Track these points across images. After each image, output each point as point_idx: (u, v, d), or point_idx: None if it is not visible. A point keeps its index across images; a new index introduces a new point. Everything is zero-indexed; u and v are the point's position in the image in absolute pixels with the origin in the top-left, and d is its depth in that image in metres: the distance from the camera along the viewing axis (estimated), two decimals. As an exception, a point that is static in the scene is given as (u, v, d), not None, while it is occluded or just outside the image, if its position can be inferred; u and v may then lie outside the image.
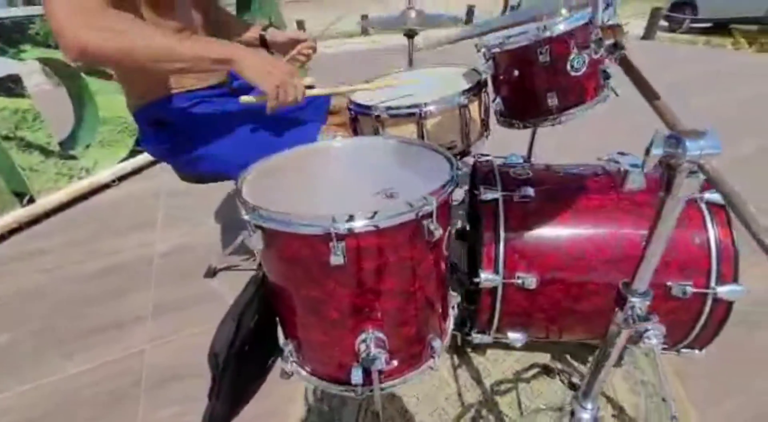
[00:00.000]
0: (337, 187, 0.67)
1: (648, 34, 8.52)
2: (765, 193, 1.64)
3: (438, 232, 0.57)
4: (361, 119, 1.01)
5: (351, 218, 0.52)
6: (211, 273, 1.46)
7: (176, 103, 0.93)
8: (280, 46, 1.11)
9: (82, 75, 2.03)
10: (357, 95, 1.02)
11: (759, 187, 1.54)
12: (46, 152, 1.91)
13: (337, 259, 0.53)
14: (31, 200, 1.86)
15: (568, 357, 1.08)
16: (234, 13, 2.80)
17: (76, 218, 1.92)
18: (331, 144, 0.82)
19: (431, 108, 0.92)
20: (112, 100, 2.16)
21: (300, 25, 10.28)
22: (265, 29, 1.14)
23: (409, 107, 0.92)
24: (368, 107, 0.96)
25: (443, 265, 0.68)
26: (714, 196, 0.74)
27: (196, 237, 1.70)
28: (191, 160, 0.98)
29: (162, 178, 2.25)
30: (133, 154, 2.32)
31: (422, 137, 0.95)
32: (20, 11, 1.83)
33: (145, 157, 2.35)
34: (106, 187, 2.15)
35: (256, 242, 0.58)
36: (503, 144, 1.14)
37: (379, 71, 1.19)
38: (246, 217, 0.57)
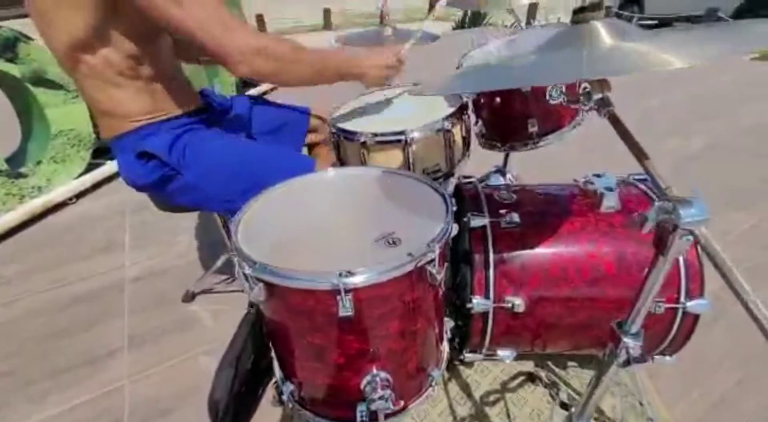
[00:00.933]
0: (337, 230, 0.67)
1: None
2: (712, 185, 1.92)
3: (440, 275, 0.59)
4: (346, 144, 1.01)
5: (357, 273, 0.52)
6: (190, 297, 1.41)
7: (161, 132, 0.89)
8: None
9: (29, 87, 1.87)
10: (341, 121, 1.02)
11: (707, 180, 1.99)
12: (-9, 172, 1.76)
13: (345, 311, 0.53)
14: (-22, 225, 1.72)
15: (549, 363, 1.14)
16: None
17: (34, 242, 1.78)
18: (323, 177, 0.81)
19: (416, 134, 0.93)
20: (63, 112, 2.01)
21: (259, 19, 9.93)
22: None
23: (394, 134, 0.93)
24: (353, 132, 0.96)
25: (441, 298, 0.70)
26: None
27: (168, 258, 1.63)
28: (174, 192, 0.94)
29: (125, 192, 2.12)
30: (91, 167, 2.18)
31: (408, 162, 0.96)
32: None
33: (104, 171, 2.21)
34: (63, 205, 2.01)
35: (257, 295, 0.57)
36: (482, 157, 1.18)
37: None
38: (246, 272, 0.56)
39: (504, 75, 0.56)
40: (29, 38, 1.86)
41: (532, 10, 10.02)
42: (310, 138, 1.24)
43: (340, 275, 0.52)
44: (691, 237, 0.40)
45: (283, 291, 0.56)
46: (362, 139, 0.94)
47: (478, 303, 0.82)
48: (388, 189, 0.76)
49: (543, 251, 0.84)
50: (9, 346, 1.28)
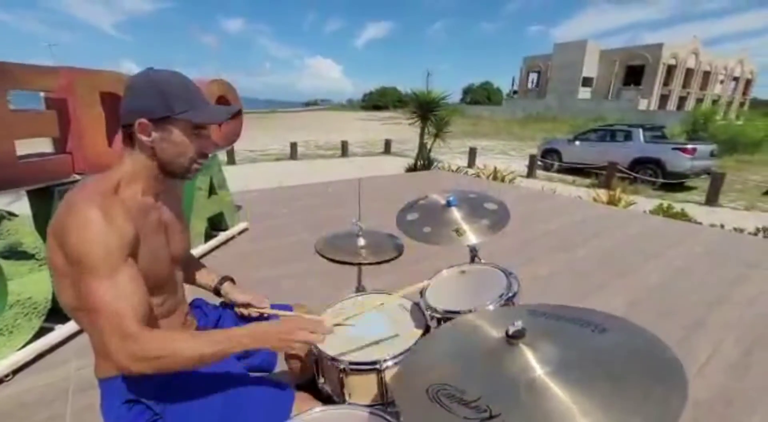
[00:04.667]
0: None
1: (530, 174, 10.52)
2: (594, 278, 2.18)
3: None
4: (326, 363, 1.12)
5: None
6: None
7: (152, 377, 0.95)
8: (235, 303, 1.27)
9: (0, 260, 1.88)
10: (322, 344, 1.14)
11: (590, 274, 2.74)
12: (-74, 355, 1.62)
13: None
14: None
15: None
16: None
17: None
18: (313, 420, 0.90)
19: (389, 363, 1.07)
20: (25, 281, 1.99)
21: (229, 155, 10.74)
22: (221, 282, 1.27)
23: (370, 363, 1.06)
24: (333, 358, 1.08)
25: None
26: None
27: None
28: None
29: (71, 364, 2.00)
30: (39, 331, 2.06)
31: (382, 387, 1.07)
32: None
33: (50, 339, 2.09)
34: (-3, 383, 1.83)
35: None
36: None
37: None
38: None
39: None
40: (14, 215, 1.95)
41: (473, 154, 11.73)
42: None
43: None
44: None
45: None
46: (342, 366, 1.07)
47: None
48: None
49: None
50: None
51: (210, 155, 3.78)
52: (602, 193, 6.78)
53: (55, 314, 2.11)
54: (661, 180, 9.32)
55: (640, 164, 9.89)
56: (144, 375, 0.94)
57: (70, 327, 2.18)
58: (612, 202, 6.40)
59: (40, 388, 1.85)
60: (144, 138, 0.90)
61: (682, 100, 35.81)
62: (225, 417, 0.96)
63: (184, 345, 0.83)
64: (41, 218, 2.21)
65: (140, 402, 0.92)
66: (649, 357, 0.61)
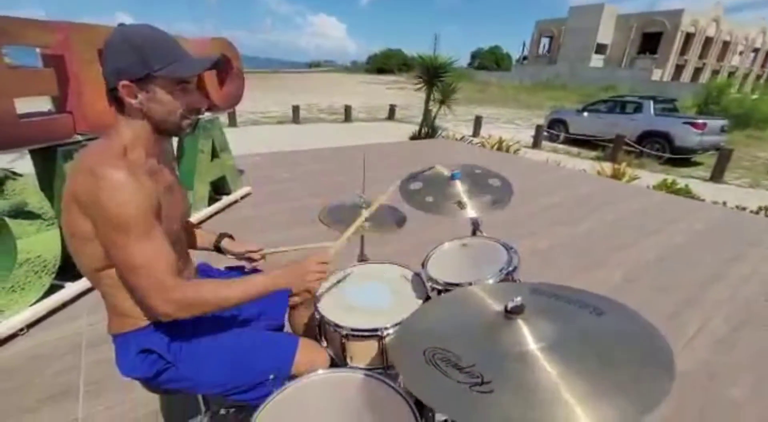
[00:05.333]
0: None
1: (535, 144, 10.37)
2: (593, 252, 2.42)
3: None
4: (328, 329, 1.16)
5: None
6: (150, 462, 1.37)
7: (161, 331, 1.00)
8: (235, 254, 1.34)
9: (6, 219, 1.90)
10: (325, 310, 1.18)
11: (589, 249, 2.95)
12: (-57, 309, 1.68)
13: None
14: None
15: None
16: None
17: (-28, 388, 1.66)
18: (315, 382, 0.95)
19: (390, 331, 1.11)
20: (34, 240, 2.02)
21: (231, 117, 10.53)
22: (220, 239, 1.32)
23: (371, 330, 1.10)
24: (336, 325, 1.12)
25: None
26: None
27: (126, 409, 1.58)
28: (167, 381, 1.02)
29: (82, 320, 2.08)
30: (49, 289, 2.12)
31: (383, 352, 1.12)
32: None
33: (62, 296, 2.16)
34: (12, 337, 1.91)
35: None
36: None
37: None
38: None
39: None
40: (18, 175, 1.95)
41: (478, 123, 11.51)
42: (294, 300, 1.39)
43: None
44: None
45: None
46: (343, 332, 1.11)
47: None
48: (371, 400, 0.91)
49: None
50: None
51: (211, 115, 3.72)
52: (607, 167, 6.71)
53: (65, 272, 2.17)
54: (667, 155, 9.19)
55: (648, 138, 9.71)
56: (156, 329, 1.00)
57: (81, 285, 2.24)
58: (616, 176, 6.35)
59: (53, 342, 1.93)
60: (131, 100, 0.88)
61: (697, 72, 34.58)
62: (233, 362, 1.03)
63: (216, 292, 0.94)
64: (45, 178, 2.21)
65: (153, 352, 0.98)
66: (641, 343, 0.63)
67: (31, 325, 2.00)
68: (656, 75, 30.93)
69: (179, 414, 1.53)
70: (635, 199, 4.91)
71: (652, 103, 10.08)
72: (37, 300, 2.07)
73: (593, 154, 9.83)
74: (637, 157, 9.07)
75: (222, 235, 1.34)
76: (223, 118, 9.56)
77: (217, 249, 1.33)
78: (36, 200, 2.04)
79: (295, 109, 13.36)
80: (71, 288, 2.22)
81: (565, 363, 0.59)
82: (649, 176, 7.29)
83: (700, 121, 9.26)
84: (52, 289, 2.14)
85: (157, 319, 0.98)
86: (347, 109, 14.19)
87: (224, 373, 1.04)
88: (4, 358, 1.83)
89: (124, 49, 0.85)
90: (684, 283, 2.80)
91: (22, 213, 1.97)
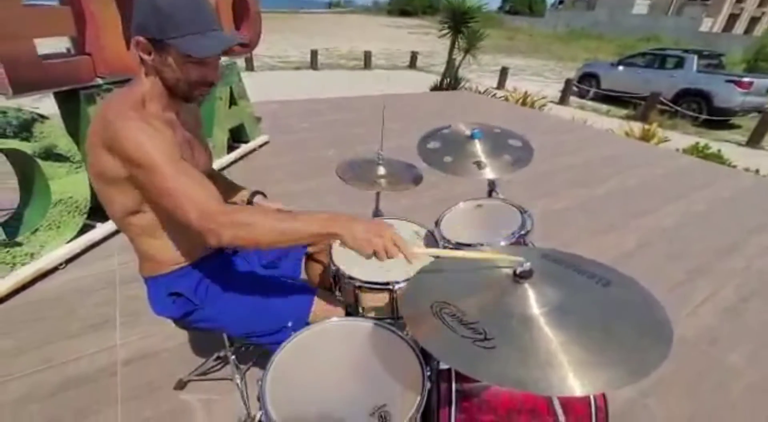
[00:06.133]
0: (339, 397, 0.86)
1: (562, 100, 9.88)
2: (609, 216, 2.94)
3: (417, 441, 0.80)
4: (342, 280, 1.23)
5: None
6: (181, 385, 1.53)
7: (189, 275, 1.08)
8: None
9: (38, 161, 1.99)
10: (340, 262, 1.24)
11: (605, 212, 3.09)
12: (-11, 242, 1.83)
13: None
14: (-32, 295, 1.77)
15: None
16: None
17: (23, 314, 1.83)
18: (328, 328, 1.02)
19: (401, 284, 1.16)
20: (65, 182, 2.12)
21: (248, 61, 10.24)
22: (252, 196, 1.32)
23: (383, 283, 1.16)
24: (350, 277, 1.19)
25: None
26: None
27: (158, 340, 1.74)
28: (195, 321, 1.12)
29: (114, 259, 2.23)
30: (82, 228, 2.26)
31: (393, 304, 1.18)
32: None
33: (95, 235, 2.30)
34: (53, 270, 2.08)
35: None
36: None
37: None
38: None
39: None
40: (45, 118, 2.00)
41: (504, 74, 10.93)
42: (310, 249, 1.45)
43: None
44: None
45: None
46: (357, 284, 1.17)
47: (441, 434, 1.03)
48: (380, 347, 0.98)
49: (497, 390, 1.08)
50: (4, 435, 1.35)
51: (228, 60, 3.64)
52: (636, 127, 6.40)
53: (95, 213, 2.29)
54: (704, 116, 8.65)
55: (685, 96, 9.09)
56: (184, 274, 1.08)
57: (111, 225, 2.38)
58: (645, 137, 6.07)
59: (90, 277, 2.10)
60: (145, 57, 0.88)
61: (753, 22, 31.28)
62: (254, 307, 1.12)
63: (264, 218, 0.84)
64: (71, 122, 2.26)
65: (181, 295, 1.07)
66: (642, 316, 0.66)
67: (68, 261, 2.16)
68: (705, 25, 28.17)
69: (206, 347, 1.67)
70: (661, 163, 4.73)
71: (695, 58, 9.30)
72: (72, 238, 2.21)
73: (623, 112, 9.33)
74: (670, 117, 8.58)
75: (255, 193, 1.34)
76: (240, 62, 9.32)
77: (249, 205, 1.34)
78: (64, 143, 2.10)
79: (314, 54, 12.88)
80: (102, 228, 2.36)
81: (565, 329, 0.63)
82: (680, 138, 6.95)
83: (746, 79, 8.55)
84: (85, 229, 2.28)
85: (197, 255, 1.06)
86: (367, 56, 13.59)
87: (245, 317, 1.13)
88: (50, 289, 2.00)
89: (147, 7, 0.84)
90: (699, 251, 2.78)
91: (52, 155, 2.04)
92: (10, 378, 1.53)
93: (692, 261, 2.66)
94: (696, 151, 5.56)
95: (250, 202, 1.34)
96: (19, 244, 1.96)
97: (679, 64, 9.46)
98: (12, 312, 1.85)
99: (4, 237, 1.90)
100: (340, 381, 0.90)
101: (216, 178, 1.33)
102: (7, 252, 1.91)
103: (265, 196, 1.36)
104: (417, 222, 1.45)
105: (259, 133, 4.15)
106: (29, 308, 1.88)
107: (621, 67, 10.45)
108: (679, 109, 8.78)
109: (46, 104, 2.28)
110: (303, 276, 1.47)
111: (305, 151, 4.19)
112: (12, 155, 1.99)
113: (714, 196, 3.82)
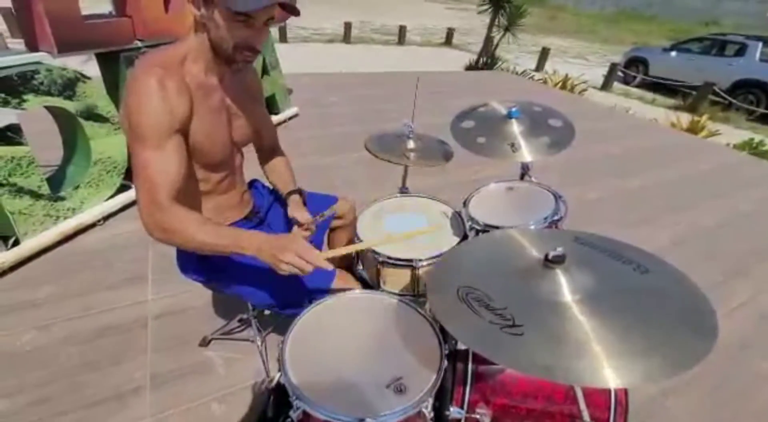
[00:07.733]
0: (358, 367, 0.87)
1: (605, 86, 9.37)
2: (644, 209, 2.76)
3: (431, 414, 0.81)
4: (366, 255, 1.23)
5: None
6: (206, 342, 1.61)
7: None
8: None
9: (81, 120, 2.06)
10: (365, 236, 1.24)
11: (640, 205, 2.96)
12: (36, 196, 1.93)
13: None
14: (16, 243, 1.89)
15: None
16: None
17: (65, 265, 1.95)
18: (348, 300, 1.03)
19: (423, 263, 1.16)
20: (104, 142, 2.20)
21: (282, 32, 10.15)
22: (289, 195, 1.26)
23: (406, 260, 1.16)
24: (374, 251, 1.19)
25: None
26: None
27: (187, 298, 1.81)
28: (220, 286, 1.15)
29: (148, 219, 2.32)
30: (119, 188, 2.36)
31: (415, 281, 1.18)
32: (22, 58, 1.84)
33: (130, 194, 2.40)
34: (92, 225, 2.19)
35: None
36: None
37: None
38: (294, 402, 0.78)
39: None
40: (87, 78, 2.06)
41: (544, 56, 10.43)
42: (335, 223, 1.46)
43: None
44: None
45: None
46: (380, 258, 1.17)
47: (455, 411, 1.04)
48: (400, 322, 0.98)
49: (512, 376, 1.07)
50: (45, 373, 1.46)
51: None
52: (683, 118, 6.00)
53: (131, 174, 2.37)
54: (761, 109, 8.00)
55: (742, 87, 8.40)
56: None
57: (144, 187, 2.46)
58: (692, 129, 5.69)
59: (126, 234, 2.20)
60: (195, 11, 0.88)
61: (831, 8, 28.21)
62: (274, 278, 1.11)
63: (196, 230, 0.86)
64: (110, 83, 2.32)
65: (206, 261, 1.10)
66: (684, 306, 0.62)
67: (106, 218, 2.27)
68: (775, 10, 25.65)
69: (231, 308, 1.74)
70: (707, 158, 4.44)
71: (760, 45, 8.51)
72: (110, 197, 2.31)
73: (671, 102, 8.76)
74: (723, 109, 7.99)
75: (291, 192, 1.26)
76: (274, 32, 9.25)
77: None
78: (104, 104, 2.17)
79: (347, 27, 12.63)
80: (138, 189, 2.45)
81: (599, 317, 0.60)
82: (732, 133, 6.49)
83: (816, 72, 7.81)
84: (122, 188, 2.38)
85: (224, 221, 1.09)
86: (401, 30, 13.21)
87: (266, 289, 1.15)
88: (90, 242, 2.12)
89: None
90: (738, 253, 2.63)
91: (93, 115, 2.11)
92: (53, 322, 1.65)
93: (730, 263, 2.52)
94: (749, 146, 5.18)
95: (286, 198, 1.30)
96: (63, 199, 2.07)
97: (741, 51, 8.70)
98: (56, 262, 1.97)
99: (49, 191, 2.00)
100: (358, 351, 0.91)
101: (272, 156, 1.34)
102: (52, 205, 2.02)
103: (302, 195, 1.27)
104: (444, 201, 1.43)
105: (290, 105, 4.16)
106: (71, 259, 2.00)
107: (674, 53, 9.73)
108: (734, 101, 8.15)
109: (90, 72, 2.34)
110: (325, 248, 1.48)
111: (333, 125, 4.17)
112: (57, 113, 2.07)
113: (762, 196, 3.57)
